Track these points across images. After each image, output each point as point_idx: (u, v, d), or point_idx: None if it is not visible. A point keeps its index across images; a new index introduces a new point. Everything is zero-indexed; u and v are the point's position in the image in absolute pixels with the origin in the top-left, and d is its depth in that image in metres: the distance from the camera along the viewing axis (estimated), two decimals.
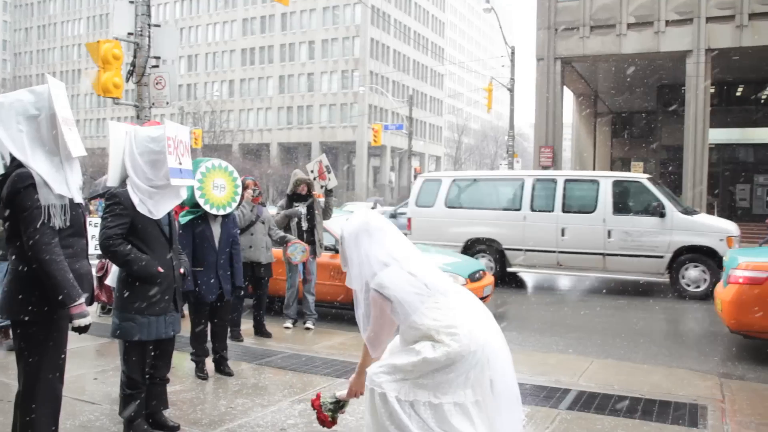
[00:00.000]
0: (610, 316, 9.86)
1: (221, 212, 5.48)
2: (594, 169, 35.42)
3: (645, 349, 7.49)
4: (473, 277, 8.37)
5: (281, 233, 7.53)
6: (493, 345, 3.26)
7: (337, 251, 8.40)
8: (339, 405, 4.01)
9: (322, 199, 8.09)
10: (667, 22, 25.39)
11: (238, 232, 6.03)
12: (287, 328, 7.68)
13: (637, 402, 4.99)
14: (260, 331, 7.29)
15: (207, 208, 5.36)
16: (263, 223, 7.32)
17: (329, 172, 8.22)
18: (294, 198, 7.82)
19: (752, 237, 18.61)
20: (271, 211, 7.87)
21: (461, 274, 8.10)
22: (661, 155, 32.43)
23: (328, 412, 4.00)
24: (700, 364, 6.68)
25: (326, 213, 8.06)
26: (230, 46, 76.10)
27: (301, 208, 7.77)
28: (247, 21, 74.98)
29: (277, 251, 7.70)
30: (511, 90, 29.70)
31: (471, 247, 12.61)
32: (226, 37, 76.38)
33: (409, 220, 13.44)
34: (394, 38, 73.81)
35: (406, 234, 12.57)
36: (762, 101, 30.79)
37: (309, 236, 7.74)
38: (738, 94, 31.37)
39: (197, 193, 5.29)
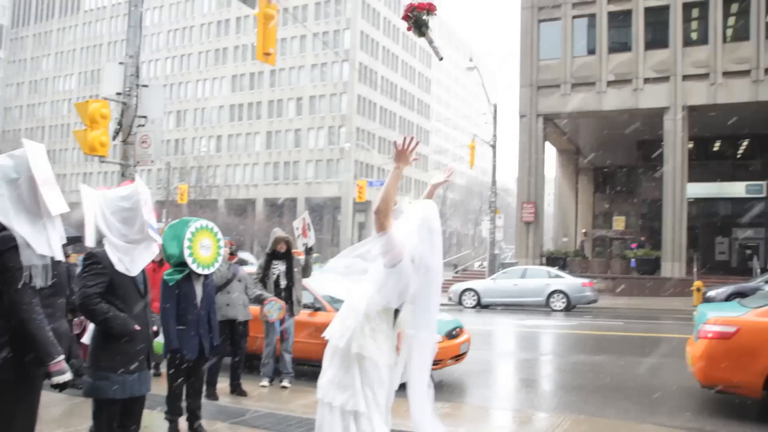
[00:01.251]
0: (586, 372, 9.93)
1: (206, 272, 5.61)
2: (576, 224, 35.86)
3: (618, 404, 7.55)
4: (450, 335, 8.41)
5: (258, 291, 7.60)
6: None
7: (315, 310, 8.42)
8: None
9: (302, 257, 8.19)
10: (645, 80, 26.23)
11: (215, 291, 6.13)
12: (264, 386, 7.68)
13: None
14: (236, 389, 7.29)
15: (194, 267, 5.47)
16: (239, 281, 7.41)
17: (310, 230, 8.36)
18: (273, 256, 7.91)
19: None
20: (251, 269, 7.93)
21: (438, 332, 8.15)
22: (642, 209, 32.95)
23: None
24: (671, 420, 6.74)
25: (306, 271, 8.13)
26: (219, 102, 77.00)
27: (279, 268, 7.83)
28: (236, 77, 76.09)
29: (255, 309, 7.75)
30: (492, 146, 30.22)
31: None
32: (215, 93, 77.36)
33: None
34: (381, 95, 75.04)
35: None
36: (738, 156, 31.53)
37: (287, 294, 7.77)
38: (715, 149, 32.12)
39: (186, 253, 5.42)
